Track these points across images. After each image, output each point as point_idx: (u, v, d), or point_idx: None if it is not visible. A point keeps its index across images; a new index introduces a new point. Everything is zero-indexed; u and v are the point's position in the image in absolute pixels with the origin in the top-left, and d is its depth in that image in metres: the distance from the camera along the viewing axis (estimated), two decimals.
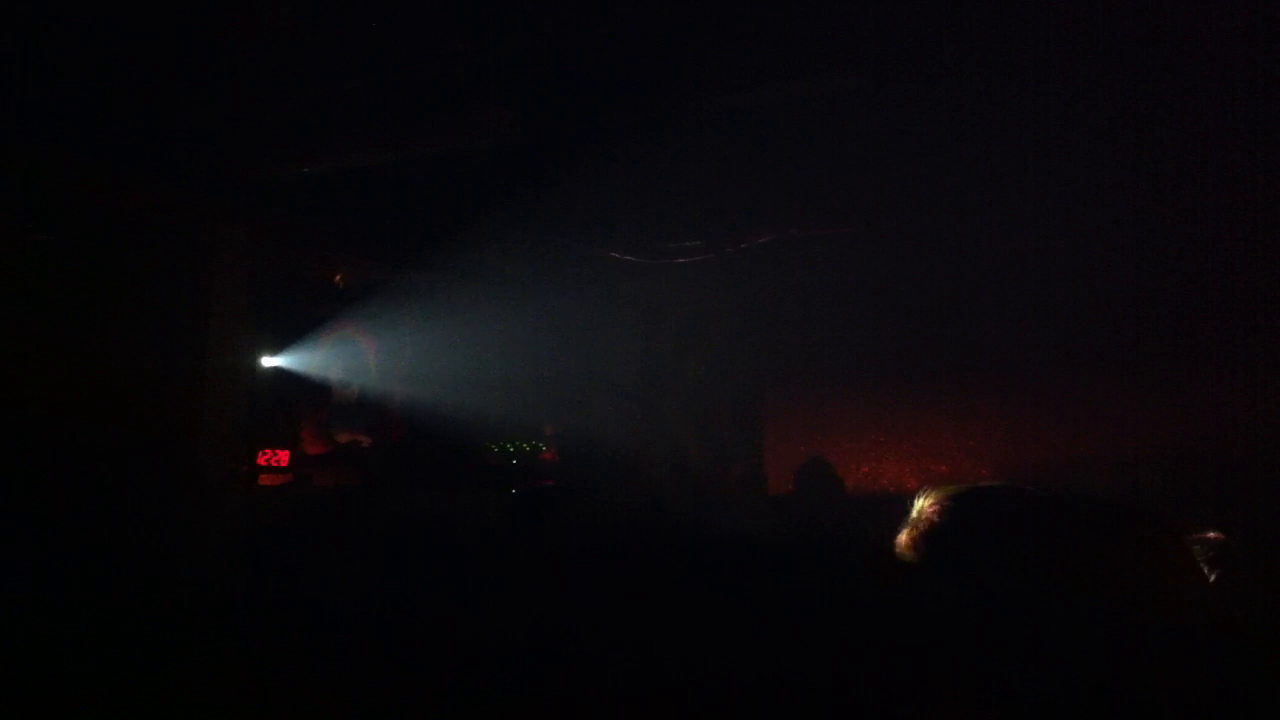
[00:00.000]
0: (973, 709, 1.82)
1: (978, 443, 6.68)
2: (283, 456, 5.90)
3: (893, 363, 6.90)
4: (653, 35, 4.46)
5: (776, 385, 7.55)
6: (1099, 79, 4.40)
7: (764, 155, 5.48)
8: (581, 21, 4.39)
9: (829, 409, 7.25)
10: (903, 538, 2.04)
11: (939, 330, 6.65)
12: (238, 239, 5.68)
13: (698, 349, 7.55)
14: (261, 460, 5.92)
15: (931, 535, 1.97)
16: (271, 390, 6.39)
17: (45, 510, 4.32)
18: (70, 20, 4.17)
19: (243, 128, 5.20)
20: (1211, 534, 2.54)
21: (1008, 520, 1.98)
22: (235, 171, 5.51)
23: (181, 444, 5.21)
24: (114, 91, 4.67)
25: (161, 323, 5.41)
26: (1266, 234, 5.55)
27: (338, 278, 6.67)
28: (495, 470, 6.69)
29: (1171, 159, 5.02)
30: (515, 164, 5.58)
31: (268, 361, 6.45)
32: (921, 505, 2.06)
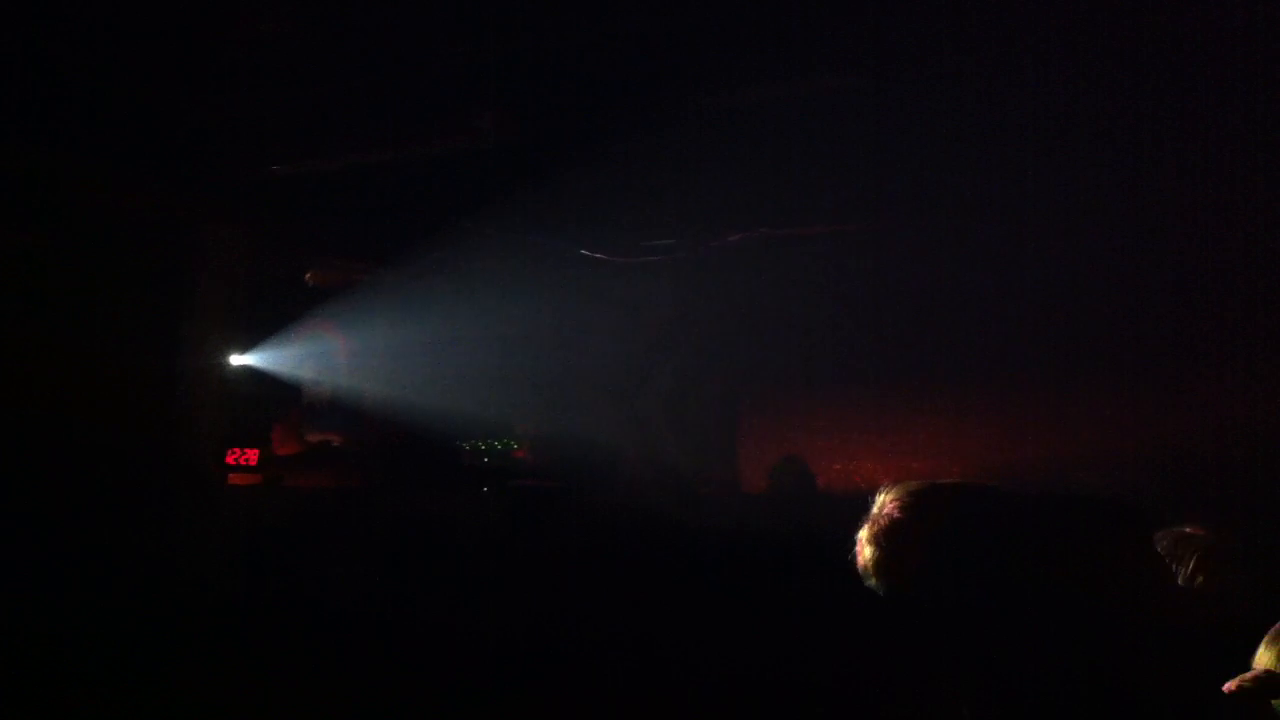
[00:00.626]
0: (938, 698, 1.81)
1: (953, 440, 6.69)
2: (252, 455, 5.86)
3: (869, 361, 6.90)
4: (633, 37, 4.46)
5: (753, 384, 7.55)
6: (1073, 70, 4.41)
7: (741, 156, 5.48)
8: (563, 23, 4.38)
9: (805, 407, 7.25)
10: (864, 533, 2.04)
11: (916, 329, 6.66)
12: (218, 237, 5.66)
13: (675, 348, 7.55)
14: (230, 459, 5.87)
15: (890, 530, 1.97)
16: (242, 389, 6.34)
17: (16, 504, 4.28)
18: (55, 16, 4.14)
19: (227, 128, 5.17)
20: (1189, 529, 2.54)
21: (966, 516, 1.98)
22: (218, 171, 5.49)
23: (159, 441, 5.18)
24: (98, 92, 4.65)
25: (140, 320, 5.37)
26: (1244, 231, 5.58)
27: (309, 275, 6.63)
28: (468, 469, 6.67)
29: (1148, 150, 5.04)
30: (494, 163, 5.57)
31: (238, 360, 6.40)
32: (882, 501, 2.06)
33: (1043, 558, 1.95)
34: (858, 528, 2.10)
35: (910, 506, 2.01)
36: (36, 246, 5.34)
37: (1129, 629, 1.87)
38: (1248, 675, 1.75)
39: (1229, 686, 1.74)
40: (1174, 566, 2.42)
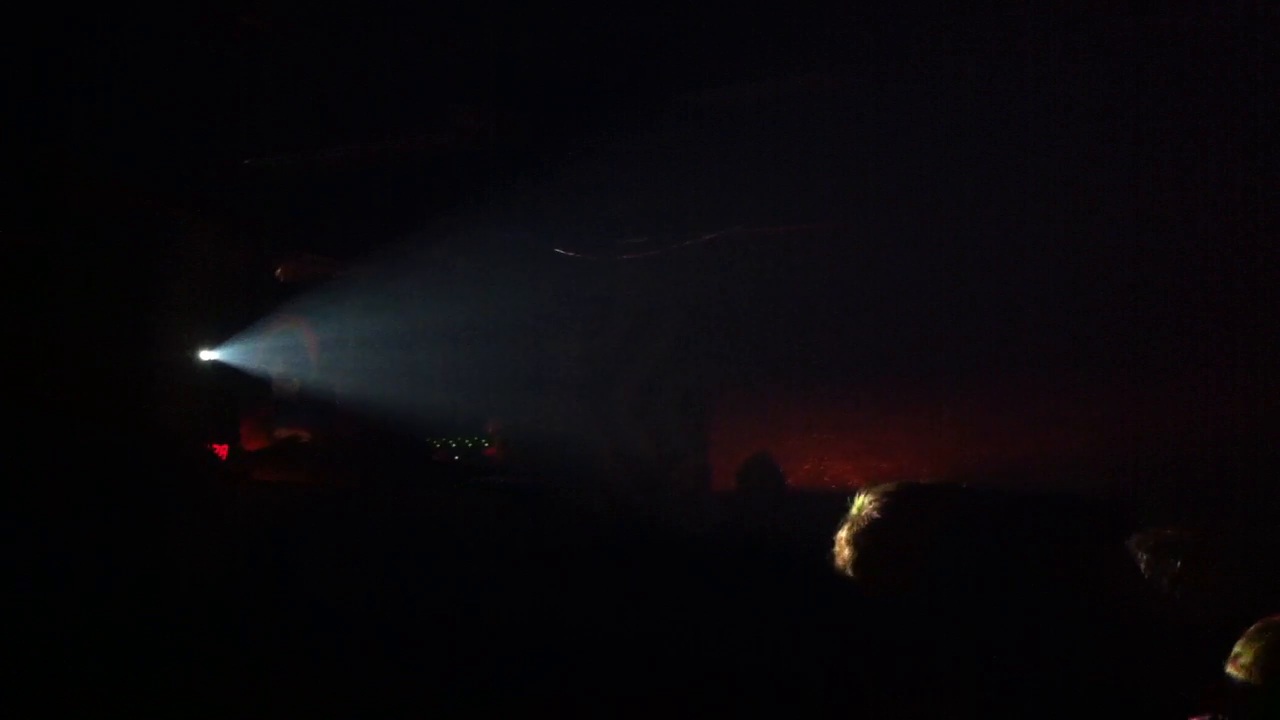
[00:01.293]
0: (915, 696, 1.83)
1: (924, 440, 6.72)
2: (221, 451, 5.81)
3: (840, 361, 6.93)
4: (606, 35, 4.46)
5: (723, 383, 7.56)
6: (1040, 66, 4.45)
7: (713, 154, 5.49)
8: (537, 21, 4.38)
9: (775, 407, 7.27)
10: (842, 534, 2.07)
11: (887, 329, 6.69)
12: (187, 232, 5.61)
13: (645, 346, 7.55)
14: None
15: (870, 531, 2.01)
16: (210, 384, 6.29)
17: None
18: (22, 7, 4.10)
19: (198, 122, 5.13)
20: (1171, 530, 2.58)
21: (943, 516, 2.01)
22: (188, 165, 5.44)
23: (127, 438, 5.13)
24: (66, 86, 4.60)
25: (107, 315, 5.32)
26: (1210, 232, 5.65)
27: (279, 271, 6.60)
28: (439, 466, 6.64)
29: (1127, 152, 5.08)
30: (465, 160, 5.55)
31: (206, 355, 6.35)
32: (861, 502, 2.09)
33: (1018, 559, 1.98)
34: (836, 528, 2.13)
35: (889, 508, 2.04)
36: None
37: (1102, 627, 1.89)
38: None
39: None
40: (1161, 568, 2.45)
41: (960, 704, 1.84)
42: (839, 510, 2.16)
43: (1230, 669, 1.80)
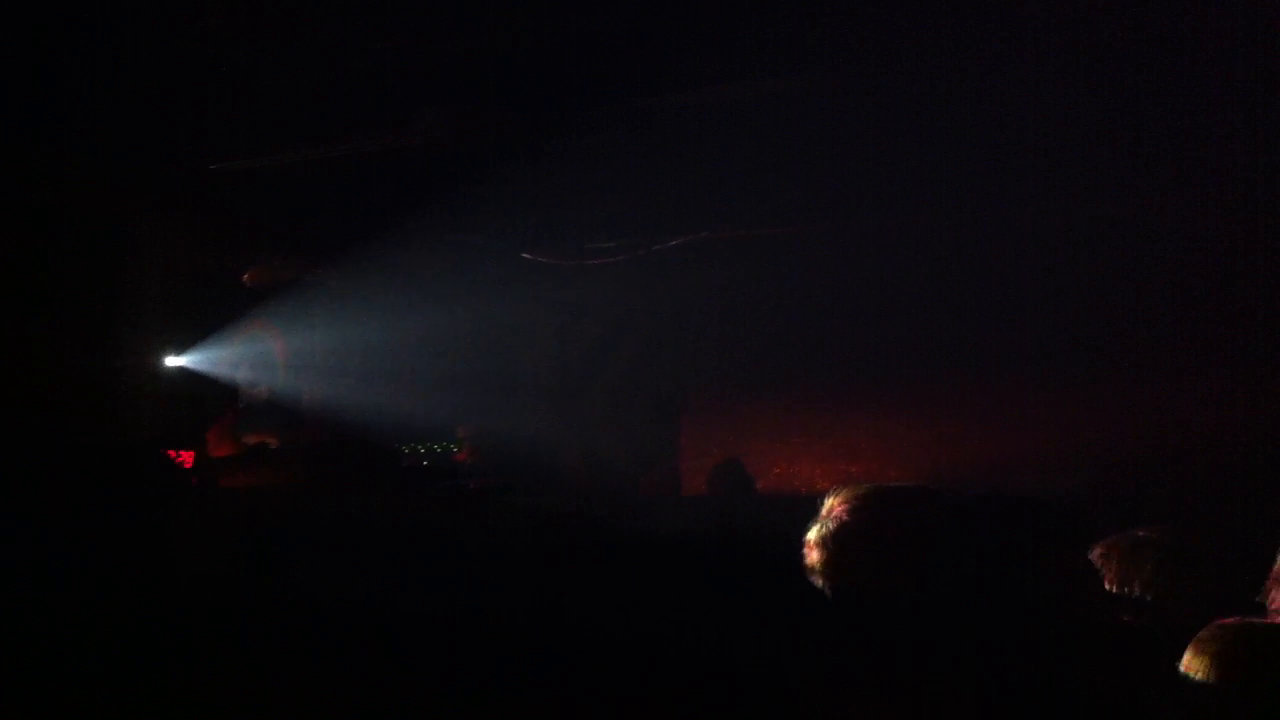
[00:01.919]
0: (879, 697, 1.84)
1: (892, 445, 6.76)
2: (187, 459, 5.75)
3: (810, 365, 6.96)
4: (575, 37, 4.46)
5: (693, 388, 7.58)
6: (1011, 65, 4.47)
7: (683, 159, 5.50)
8: (506, 23, 4.37)
9: (744, 411, 7.29)
10: (812, 535, 2.08)
11: (856, 333, 6.73)
12: (152, 235, 5.56)
13: (616, 351, 7.56)
14: None
15: (838, 533, 2.02)
16: (177, 390, 6.23)
17: None
18: None
19: (164, 122, 5.09)
20: (1143, 532, 2.59)
21: (912, 519, 2.03)
22: (154, 167, 5.40)
23: (90, 441, 5.07)
24: (30, 84, 4.55)
25: (70, 319, 5.26)
26: (1181, 236, 5.71)
27: (246, 275, 6.55)
28: (407, 471, 6.61)
29: (1106, 154, 5.12)
30: (435, 163, 5.54)
31: (173, 361, 6.29)
32: (830, 504, 2.10)
33: (985, 561, 1.99)
34: (805, 530, 2.14)
35: (858, 510, 2.06)
36: None
37: (1060, 630, 1.91)
38: None
39: None
40: (1131, 570, 2.46)
41: (924, 705, 1.85)
42: (808, 512, 2.17)
43: (1185, 672, 1.80)
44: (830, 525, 2.04)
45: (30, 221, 5.27)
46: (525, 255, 7.02)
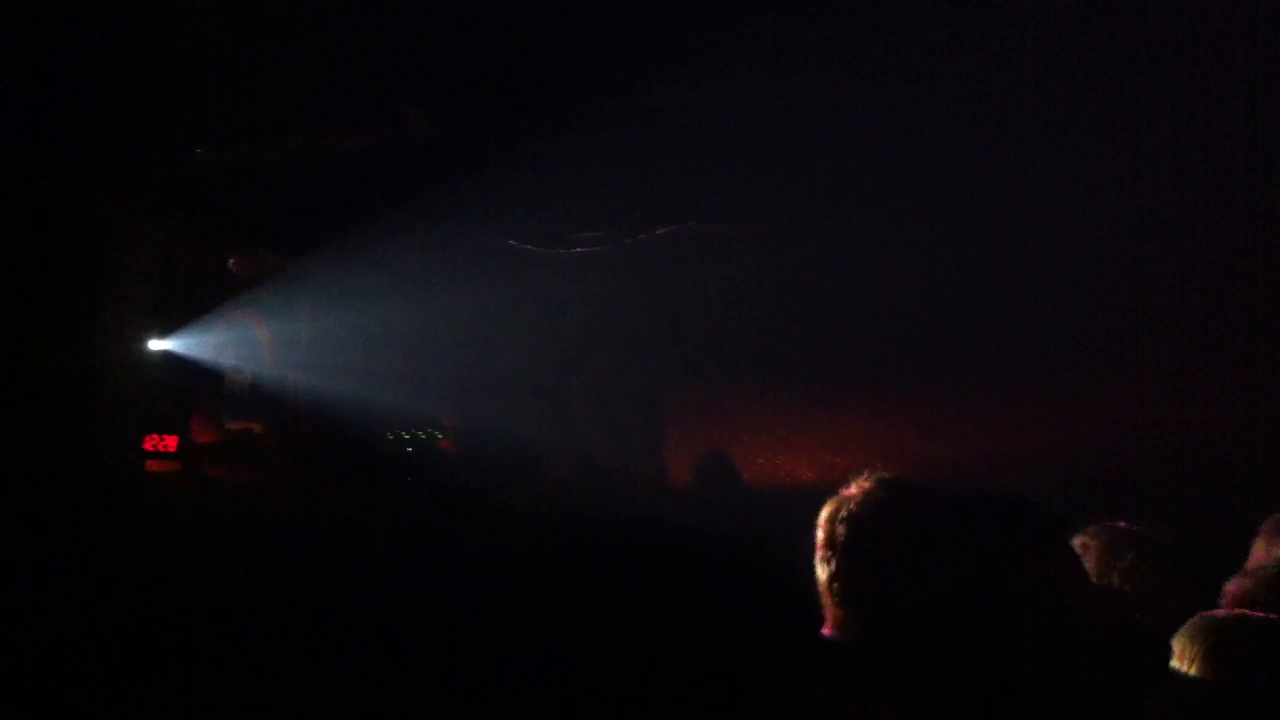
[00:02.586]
0: (870, 691, 1.85)
1: (880, 438, 6.76)
2: (170, 442, 5.72)
3: (797, 357, 6.96)
4: (560, 30, 4.46)
5: (680, 380, 7.57)
6: (1009, 61, 4.48)
7: (669, 150, 5.50)
8: (488, 16, 4.37)
9: (730, 404, 7.29)
10: (820, 533, 2.07)
11: (842, 326, 6.72)
12: (137, 224, 5.55)
13: (601, 342, 7.55)
14: (148, 445, 5.73)
15: (850, 519, 2.02)
16: (160, 374, 6.21)
17: None
18: None
19: (143, 116, 5.07)
20: (1124, 524, 2.60)
21: (912, 514, 2.04)
22: (139, 158, 5.38)
23: (73, 430, 5.07)
24: (8, 79, 4.53)
25: (54, 309, 5.25)
26: (1161, 235, 5.73)
27: (231, 263, 6.53)
28: (390, 461, 6.61)
29: (1105, 153, 5.13)
30: (418, 154, 5.53)
31: (157, 344, 6.26)
32: (840, 498, 2.10)
33: (970, 557, 2.00)
34: (806, 524, 2.14)
35: (867, 504, 2.07)
36: None
37: (1046, 626, 1.91)
38: None
39: None
40: (1112, 563, 2.47)
41: (915, 703, 1.85)
42: (794, 505, 2.17)
43: (1176, 665, 1.79)
44: (851, 506, 2.04)
45: (11, 212, 5.25)
46: (509, 246, 7.01)
